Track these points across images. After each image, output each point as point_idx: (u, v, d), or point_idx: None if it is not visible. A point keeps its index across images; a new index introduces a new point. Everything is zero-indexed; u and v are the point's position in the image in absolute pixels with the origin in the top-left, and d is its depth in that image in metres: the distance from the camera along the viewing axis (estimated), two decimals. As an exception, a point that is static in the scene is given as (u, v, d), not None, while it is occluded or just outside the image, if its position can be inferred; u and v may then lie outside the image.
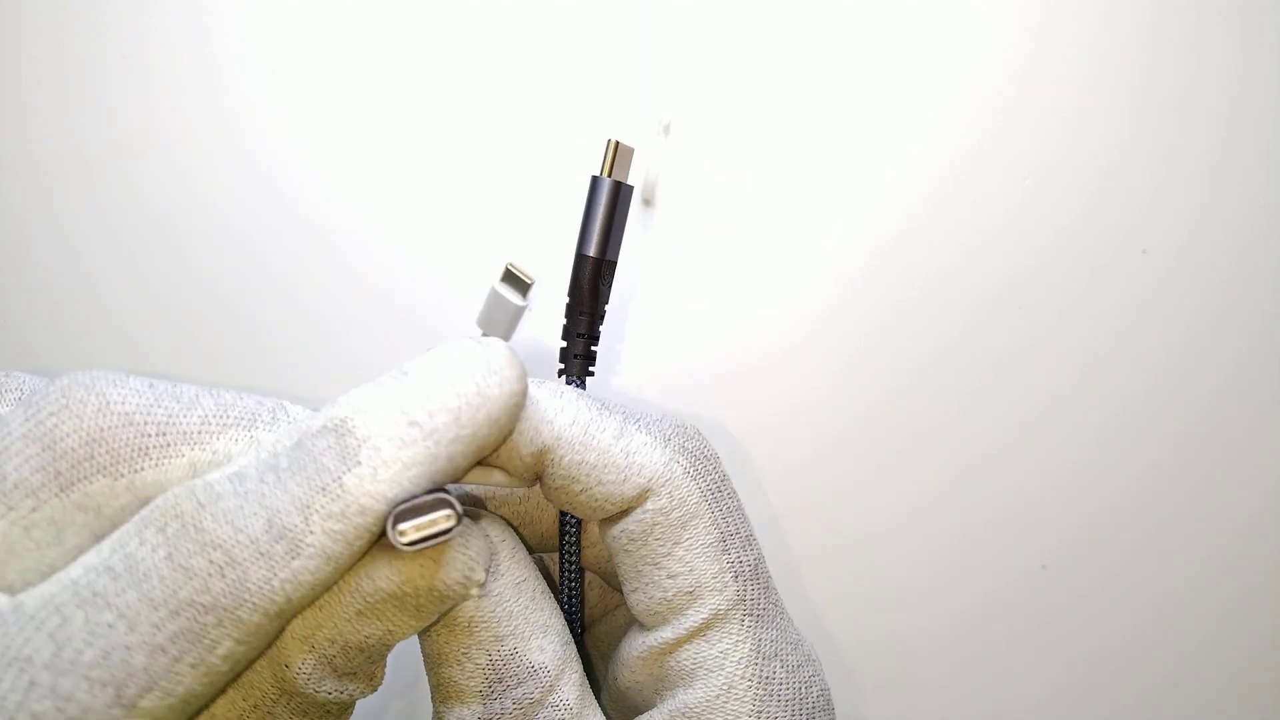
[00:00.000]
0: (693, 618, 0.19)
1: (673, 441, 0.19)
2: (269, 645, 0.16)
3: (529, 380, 0.18)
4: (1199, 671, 0.29)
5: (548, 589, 0.19)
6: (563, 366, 0.21)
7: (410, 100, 0.30)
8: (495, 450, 0.18)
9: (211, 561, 0.15)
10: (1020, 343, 0.29)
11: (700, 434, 0.20)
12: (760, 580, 0.19)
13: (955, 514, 0.29)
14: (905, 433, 0.29)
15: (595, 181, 0.20)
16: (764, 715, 0.18)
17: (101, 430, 0.16)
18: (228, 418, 0.17)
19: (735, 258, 0.30)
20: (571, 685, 0.18)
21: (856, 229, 0.30)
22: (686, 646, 0.19)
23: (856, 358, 0.29)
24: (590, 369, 0.21)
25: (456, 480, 0.17)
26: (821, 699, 0.19)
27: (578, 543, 0.21)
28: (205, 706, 0.16)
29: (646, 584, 0.19)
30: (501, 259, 0.23)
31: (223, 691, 0.16)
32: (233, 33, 0.30)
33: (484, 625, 0.18)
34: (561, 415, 0.18)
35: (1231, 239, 0.29)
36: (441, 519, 0.16)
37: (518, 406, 0.17)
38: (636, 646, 0.19)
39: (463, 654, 0.18)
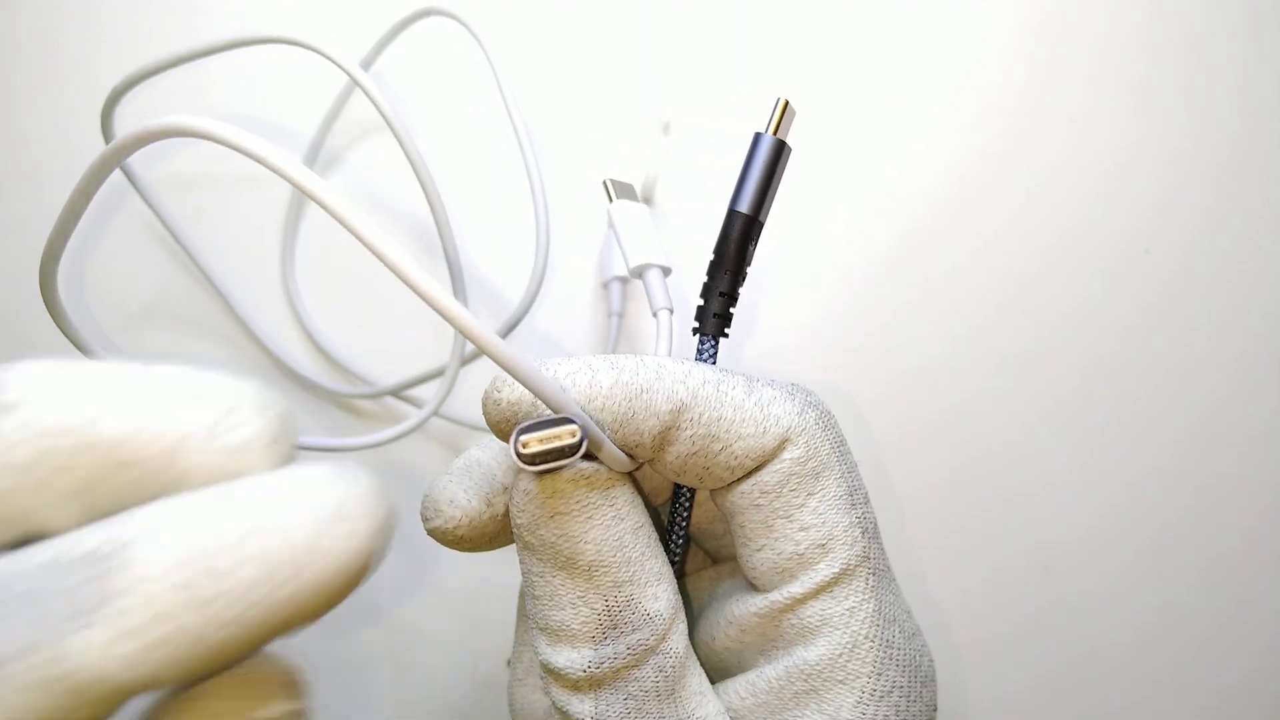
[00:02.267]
0: (823, 571, 0.18)
1: (797, 396, 0.19)
2: None
3: (655, 358, 0.18)
4: (1200, 672, 0.29)
5: (658, 538, 0.19)
6: (698, 325, 0.21)
7: (410, 100, 0.30)
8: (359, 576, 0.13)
9: None
10: (1023, 343, 0.29)
11: (816, 392, 0.20)
12: (879, 540, 0.19)
13: (956, 514, 0.29)
14: (906, 432, 0.29)
15: (758, 138, 0.20)
16: (883, 678, 0.18)
17: None
18: None
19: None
20: (680, 635, 0.18)
21: (860, 230, 0.30)
22: (813, 602, 0.18)
23: (858, 357, 0.29)
24: (726, 329, 0.21)
25: (227, 663, 0.13)
26: (930, 671, 0.19)
27: (689, 513, 0.20)
28: None
29: (777, 539, 0.18)
30: (595, 179, 0.21)
31: None
32: (226, 32, 0.30)
33: (604, 570, 0.18)
34: (692, 376, 0.18)
35: (1235, 240, 0.29)
36: (567, 434, 0.16)
37: (360, 573, 0.13)
38: (753, 605, 0.19)
39: (579, 598, 0.18)
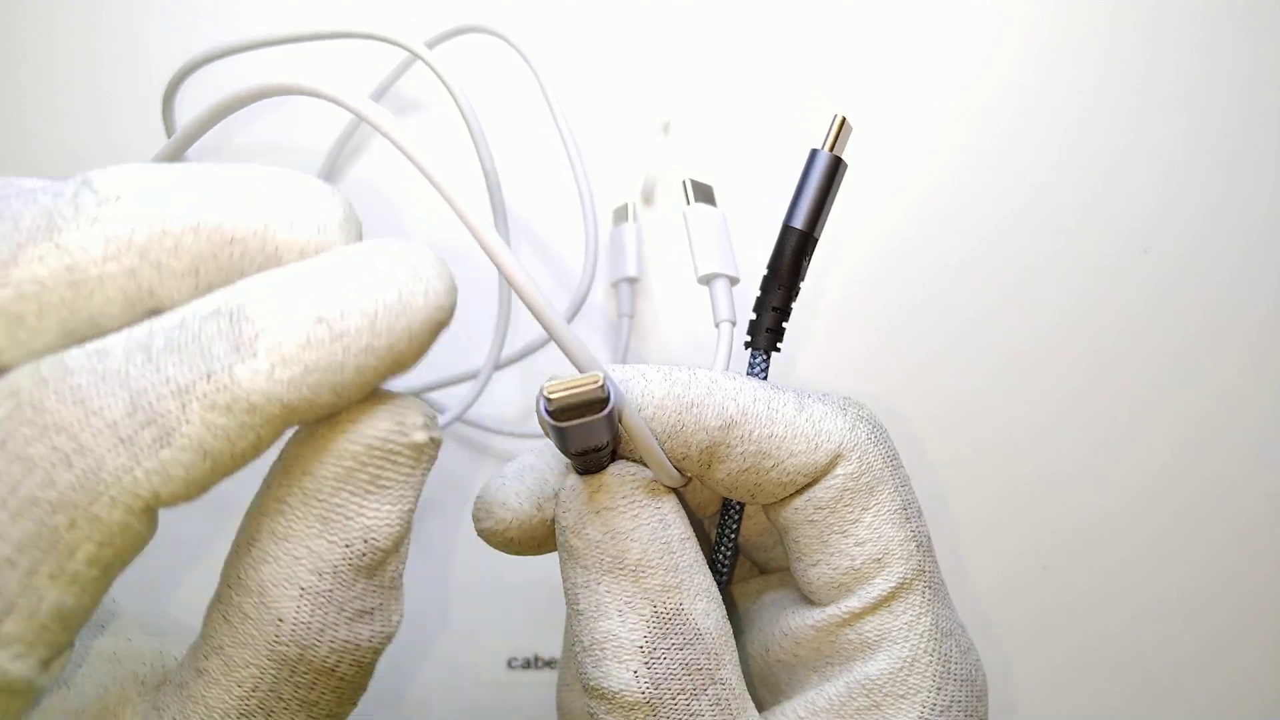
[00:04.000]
0: (880, 586, 0.18)
1: (849, 410, 0.19)
2: (149, 539, 0.14)
3: (698, 369, 0.18)
4: (1198, 670, 0.29)
5: (705, 558, 0.19)
6: (750, 338, 0.21)
7: (412, 101, 0.30)
8: (406, 364, 0.14)
9: (55, 448, 0.12)
10: (1022, 342, 0.29)
11: (868, 406, 0.20)
12: (934, 554, 0.19)
13: (956, 514, 0.29)
14: (906, 431, 0.29)
15: (814, 155, 0.20)
16: (943, 692, 0.18)
17: None
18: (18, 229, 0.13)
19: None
20: (734, 667, 0.18)
21: (859, 229, 0.30)
22: (870, 617, 0.18)
23: (858, 357, 0.29)
24: (778, 344, 0.21)
25: (334, 411, 0.14)
26: (984, 685, 0.19)
27: (738, 525, 0.20)
28: (90, 613, 0.14)
29: (832, 554, 0.18)
30: (676, 178, 0.21)
31: (204, 675, 0.15)
32: (225, 33, 0.30)
33: (651, 572, 0.17)
34: (743, 392, 0.18)
35: (1234, 239, 0.29)
36: (589, 381, 0.16)
37: (440, 324, 0.14)
38: (809, 619, 0.19)
39: (625, 603, 0.17)
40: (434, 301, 0.14)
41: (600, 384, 0.16)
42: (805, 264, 0.20)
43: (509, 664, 0.29)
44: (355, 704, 0.16)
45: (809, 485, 0.18)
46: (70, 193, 0.13)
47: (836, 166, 0.19)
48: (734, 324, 0.21)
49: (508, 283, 0.15)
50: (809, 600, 0.19)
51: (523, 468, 0.19)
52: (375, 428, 0.15)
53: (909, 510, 0.19)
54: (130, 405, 0.13)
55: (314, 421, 0.15)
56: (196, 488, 0.13)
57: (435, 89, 0.30)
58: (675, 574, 0.18)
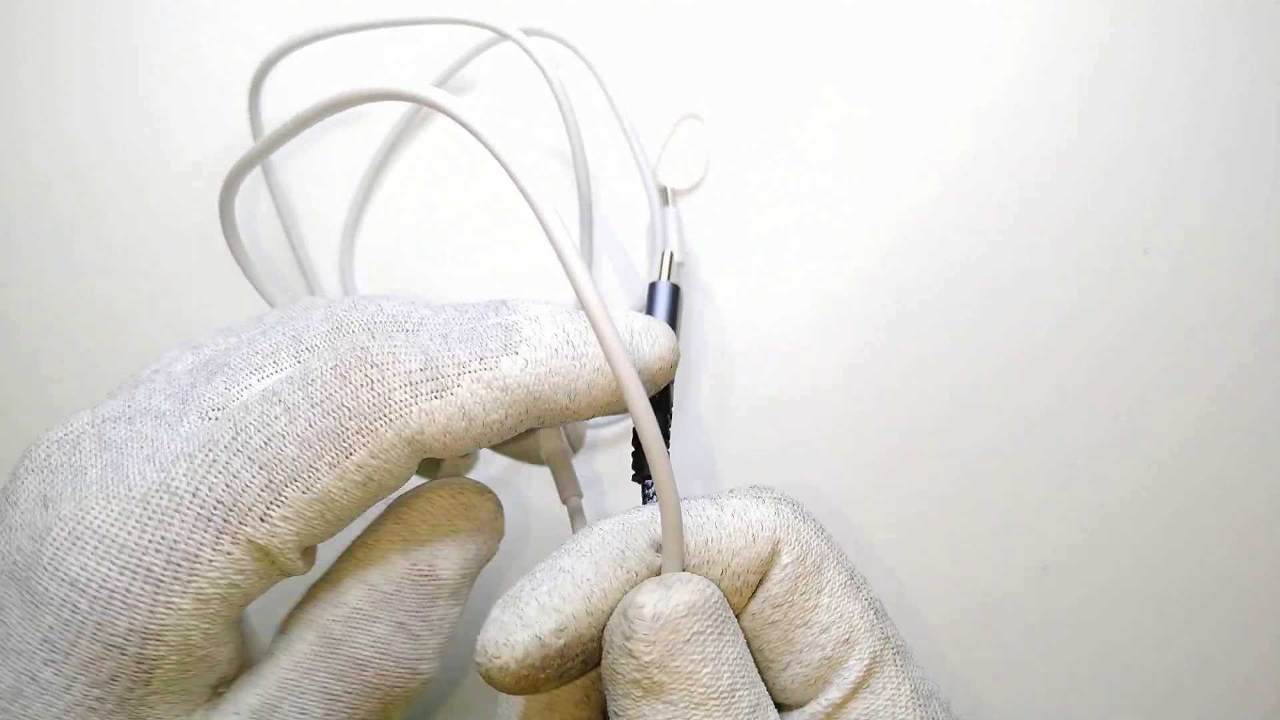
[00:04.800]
0: (855, 669, 0.18)
1: (765, 497, 0.19)
2: (401, 481, 0.18)
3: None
4: (1201, 674, 0.29)
5: None
6: (635, 472, 0.21)
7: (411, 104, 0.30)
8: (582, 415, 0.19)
9: (366, 375, 0.17)
10: (1021, 342, 0.29)
11: (775, 488, 0.20)
12: (888, 615, 0.19)
13: (955, 515, 0.29)
14: (906, 431, 0.29)
15: (653, 287, 0.23)
16: None
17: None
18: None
19: (734, 258, 0.30)
20: None
21: (858, 229, 0.30)
22: (853, 704, 0.17)
23: (857, 356, 0.29)
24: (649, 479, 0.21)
25: (567, 415, 0.18)
26: None
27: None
28: (350, 521, 0.18)
29: (801, 650, 0.18)
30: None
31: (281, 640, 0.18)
32: (223, 32, 0.30)
33: (741, 693, 0.17)
34: (658, 518, 0.18)
35: (1234, 239, 0.29)
36: None
37: (660, 373, 0.19)
38: None
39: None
40: (658, 352, 0.19)
41: None
42: (671, 389, 0.21)
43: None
44: None
45: (759, 584, 0.18)
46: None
47: (677, 293, 0.23)
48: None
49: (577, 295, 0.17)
50: (783, 707, 0.18)
51: (555, 577, 0.18)
52: (462, 490, 0.19)
53: (855, 579, 0.18)
54: (424, 363, 0.17)
55: (549, 423, 0.18)
56: (451, 439, 0.17)
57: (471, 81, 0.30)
58: (754, 689, 0.17)
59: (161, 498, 0.16)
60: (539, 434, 0.22)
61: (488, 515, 0.20)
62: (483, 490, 0.20)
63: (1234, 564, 0.29)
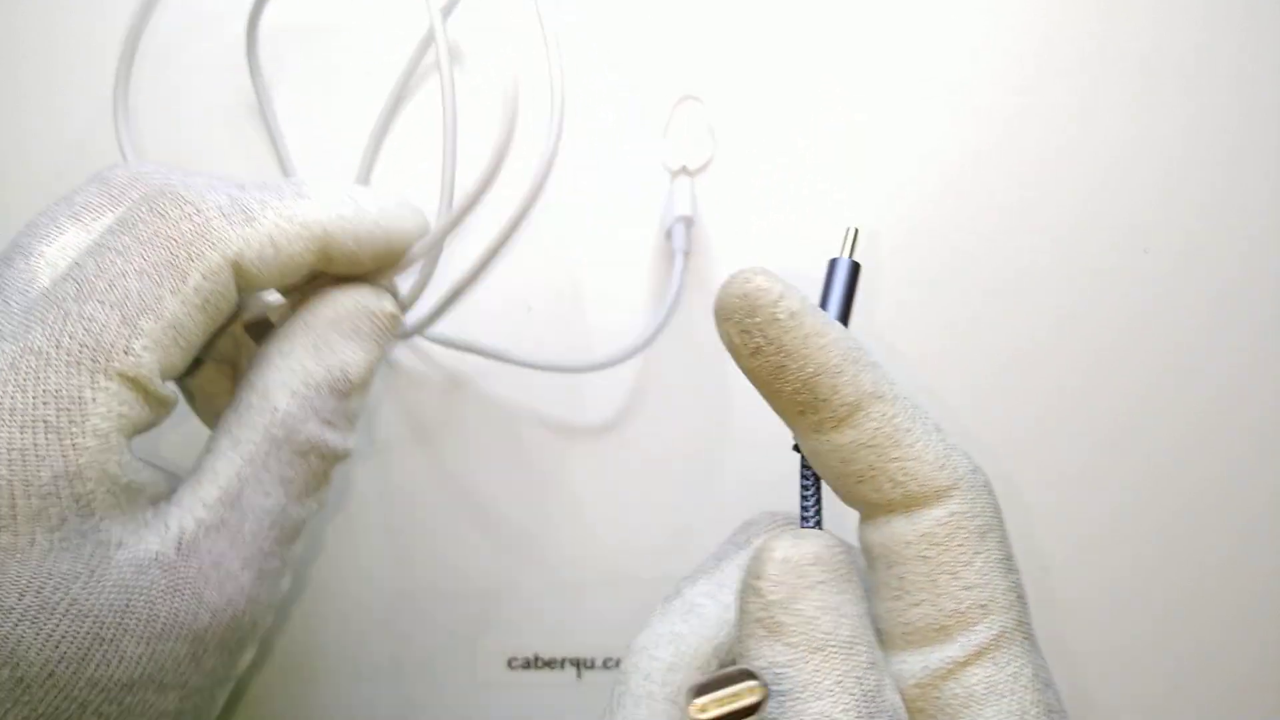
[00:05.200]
0: (982, 634, 0.18)
1: (970, 458, 0.19)
2: (231, 307, 0.20)
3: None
4: (1202, 674, 0.29)
5: None
6: (798, 444, 0.21)
7: (413, 109, 0.30)
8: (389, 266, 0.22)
9: (183, 210, 0.19)
10: (1021, 342, 0.29)
11: None
12: (1029, 608, 0.19)
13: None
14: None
15: (834, 263, 0.21)
16: None
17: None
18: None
19: (735, 257, 0.30)
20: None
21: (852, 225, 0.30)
22: (974, 668, 0.18)
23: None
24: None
25: (354, 261, 0.22)
26: None
27: (819, 499, 0.20)
28: (197, 348, 0.20)
29: (940, 594, 0.18)
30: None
31: (212, 452, 0.20)
32: (227, 31, 0.30)
33: (859, 648, 0.18)
34: (899, 385, 0.19)
35: (1234, 239, 0.29)
36: (747, 692, 0.15)
37: (416, 234, 0.22)
38: (910, 676, 0.18)
39: (837, 682, 0.17)
40: (419, 221, 0.23)
41: (760, 698, 0.15)
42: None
43: (509, 664, 0.29)
44: (319, 502, 0.22)
45: (911, 507, 0.18)
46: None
47: (856, 271, 0.21)
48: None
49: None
50: (897, 644, 0.19)
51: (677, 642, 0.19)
52: (361, 293, 0.22)
53: (1011, 563, 0.19)
54: (230, 200, 0.19)
55: (337, 267, 0.21)
56: (264, 265, 0.20)
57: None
58: (873, 649, 0.18)
59: (29, 359, 0.17)
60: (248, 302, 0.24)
61: (386, 316, 0.22)
62: (380, 293, 0.22)
63: (1234, 564, 0.29)
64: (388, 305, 0.22)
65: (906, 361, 0.29)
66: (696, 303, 0.29)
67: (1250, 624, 0.29)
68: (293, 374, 0.21)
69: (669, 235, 0.29)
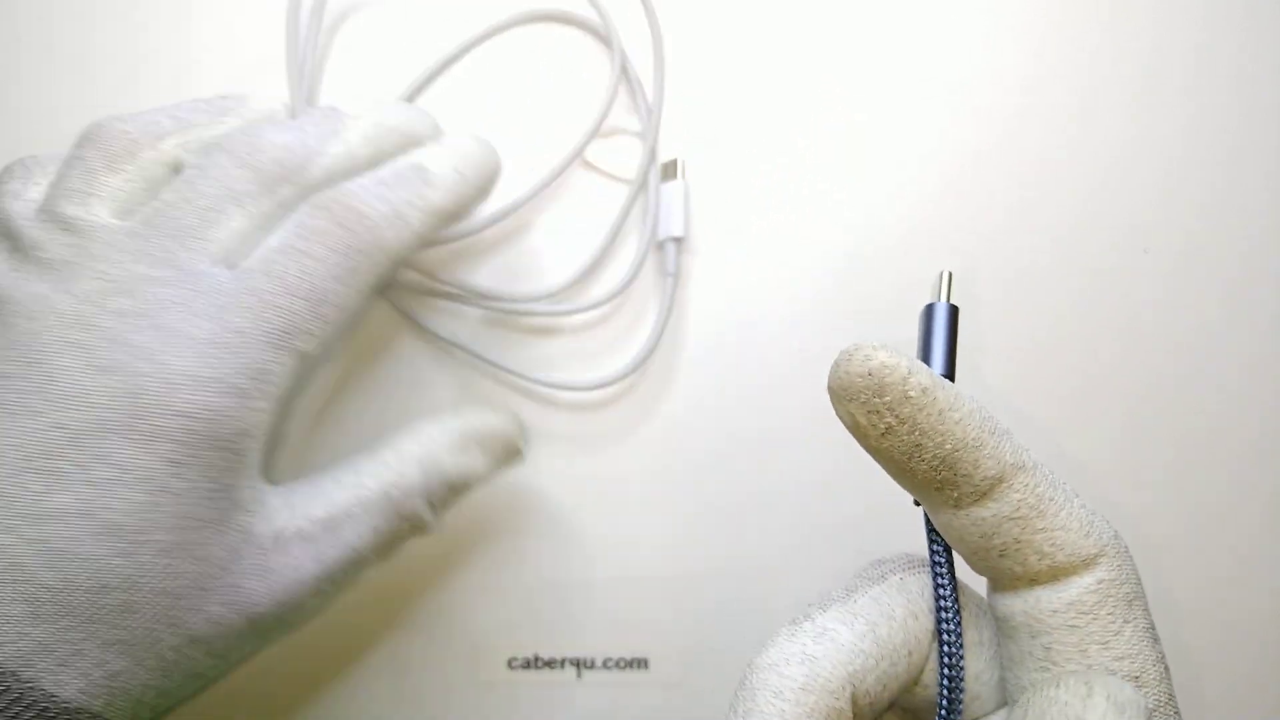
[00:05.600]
0: None
1: (1109, 522, 0.19)
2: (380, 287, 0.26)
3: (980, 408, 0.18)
4: (1203, 675, 0.29)
5: None
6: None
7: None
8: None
9: (362, 224, 0.22)
10: (1021, 342, 0.29)
11: None
12: (1172, 678, 0.19)
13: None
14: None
15: (932, 308, 0.21)
16: None
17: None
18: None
19: (725, 258, 0.30)
20: None
21: (858, 229, 0.30)
22: None
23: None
24: None
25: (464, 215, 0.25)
26: None
27: (954, 577, 0.19)
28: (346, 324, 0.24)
29: (1090, 665, 0.18)
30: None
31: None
32: (216, 33, 0.30)
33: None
34: (1033, 452, 0.18)
35: (1235, 239, 0.29)
36: None
37: (488, 187, 0.25)
38: None
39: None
40: (498, 165, 0.26)
41: None
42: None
43: (509, 664, 0.29)
44: (383, 561, 0.25)
45: (1057, 577, 0.18)
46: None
47: (955, 315, 0.21)
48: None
49: None
50: None
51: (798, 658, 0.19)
52: (510, 424, 0.26)
53: (1155, 631, 0.18)
54: (391, 210, 0.23)
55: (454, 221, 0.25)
56: (410, 252, 0.23)
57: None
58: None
59: (230, 337, 0.21)
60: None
61: (516, 452, 0.26)
62: (520, 430, 0.26)
63: (1235, 564, 0.29)
64: (519, 444, 0.26)
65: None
66: (691, 313, 0.29)
67: (1253, 628, 0.29)
68: (429, 457, 0.24)
69: (659, 247, 0.29)
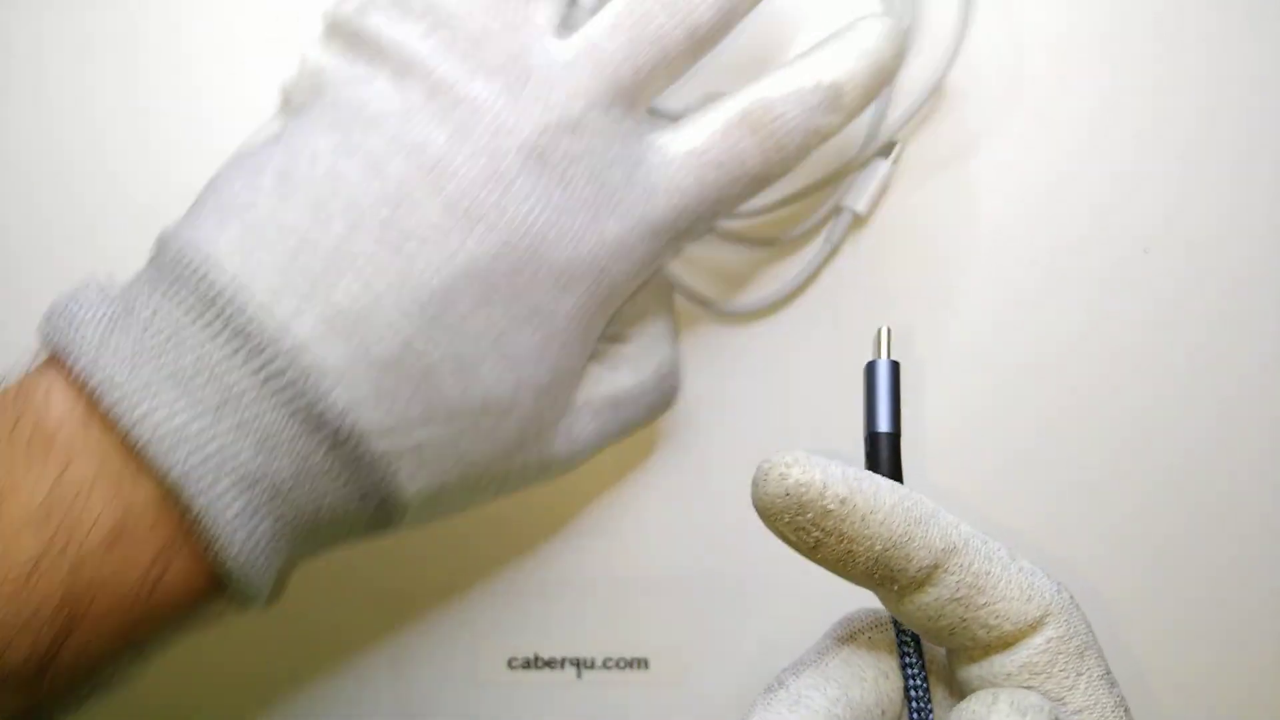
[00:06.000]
0: None
1: (1049, 576, 0.19)
2: None
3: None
4: (1205, 676, 0.29)
5: None
6: None
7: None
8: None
9: (777, 155, 0.23)
10: (1019, 344, 0.29)
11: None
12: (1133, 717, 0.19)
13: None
14: (911, 449, 0.29)
15: (873, 365, 0.21)
16: None
17: None
18: None
19: (724, 256, 0.30)
20: None
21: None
22: None
23: (851, 365, 0.29)
24: None
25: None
26: None
27: (922, 662, 0.20)
28: None
29: None
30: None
31: None
32: (211, 38, 0.30)
33: None
34: (962, 526, 0.19)
35: (1239, 242, 0.29)
36: None
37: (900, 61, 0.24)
38: None
39: None
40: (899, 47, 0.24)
41: None
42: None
43: (509, 664, 0.29)
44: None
45: (1008, 644, 0.18)
46: None
47: (897, 371, 0.22)
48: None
49: None
50: None
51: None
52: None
53: (1111, 676, 0.19)
54: (800, 146, 0.23)
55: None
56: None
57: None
58: None
59: (644, 223, 0.22)
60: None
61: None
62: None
63: (1242, 566, 0.29)
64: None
65: (905, 364, 0.29)
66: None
67: (1257, 632, 0.29)
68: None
69: (834, 213, 0.29)
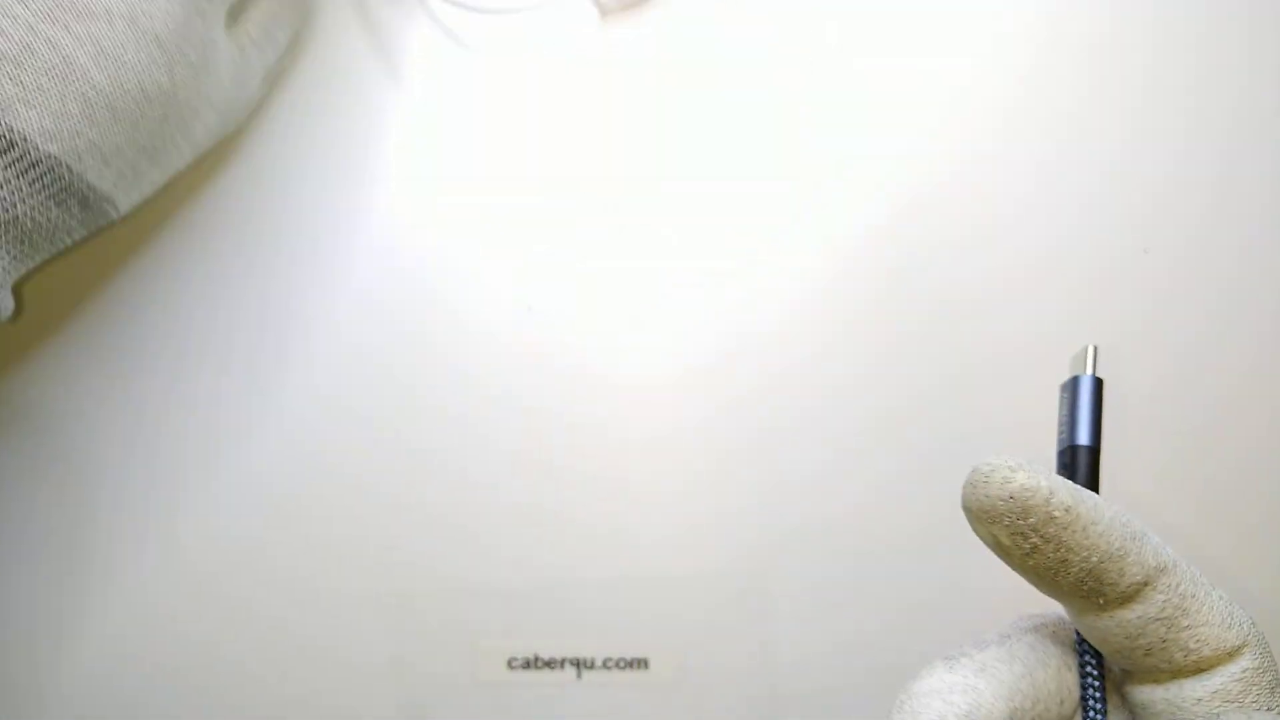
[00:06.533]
0: None
1: (1243, 609, 0.19)
2: None
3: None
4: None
5: None
6: None
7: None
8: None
9: None
10: (1024, 342, 0.29)
11: None
12: None
13: (957, 523, 0.29)
14: (908, 439, 0.29)
15: (1078, 380, 0.22)
16: None
17: None
18: None
19: (723, 258, 0.30)
20: None
21: (855, 231, 0.29)
22: None
23: (849, 361, 0.29)
24: None
25: None
26: None
27: (1102, 673, 0.20)
28: None
29: None
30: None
31: None
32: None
33: None
34: (1169, 549, 0.18)
35: (1235, 240, 0.29)
36: None
37: None
38: None
39: None
40: None
41: None
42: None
43: (509, 664, 0.29)
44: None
45: (1200, 670, 0.18)
46: None
47: (1100, 388, 0.22)
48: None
49: None
50: None
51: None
52: None
53: None
54: None
55: None
56: None
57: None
58: None
59: None
60: None
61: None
62: None
63: (1235, 568, 0.29)
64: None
65: (910, 368, 0.29)
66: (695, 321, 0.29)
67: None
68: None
69: None
